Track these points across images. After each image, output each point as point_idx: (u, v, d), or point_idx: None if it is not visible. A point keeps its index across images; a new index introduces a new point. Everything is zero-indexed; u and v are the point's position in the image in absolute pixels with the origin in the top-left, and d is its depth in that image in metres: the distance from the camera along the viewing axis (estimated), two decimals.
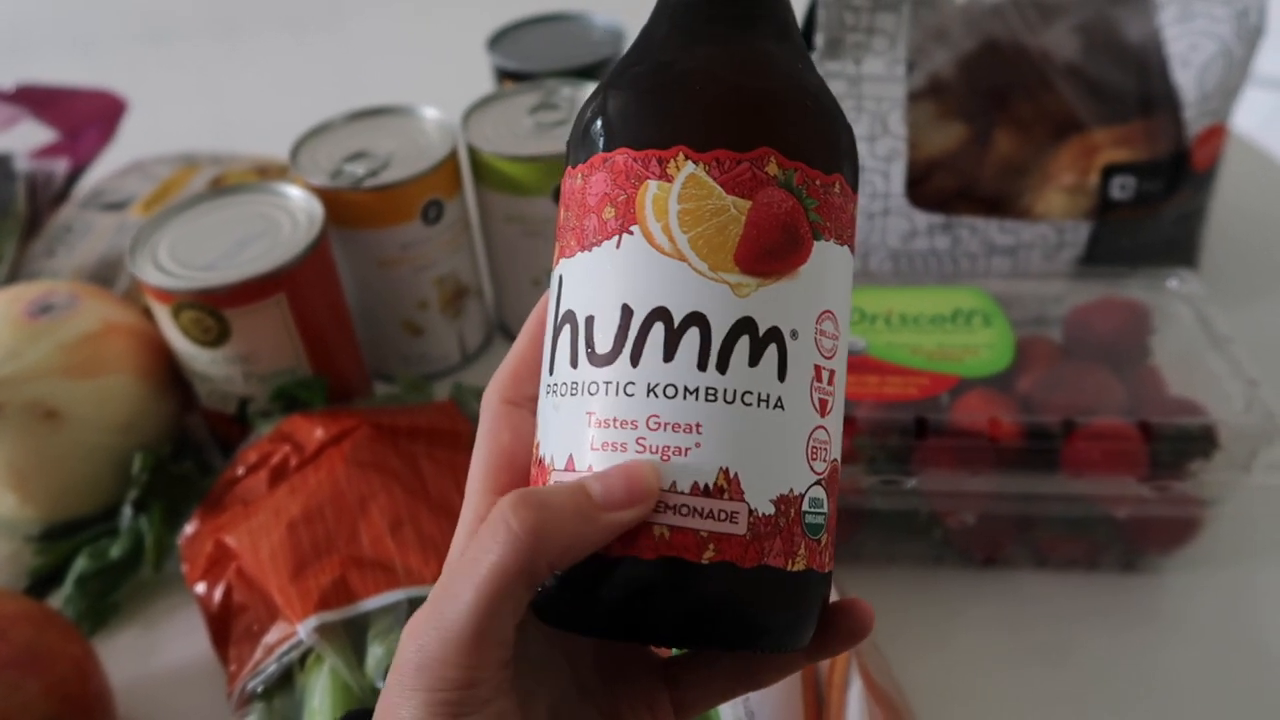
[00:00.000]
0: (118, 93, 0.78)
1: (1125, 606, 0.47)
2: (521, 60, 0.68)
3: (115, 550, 0.52)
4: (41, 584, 0.52)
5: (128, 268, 0.52)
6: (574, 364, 0.25)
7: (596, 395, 0.25)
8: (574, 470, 0.25)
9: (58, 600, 0.51)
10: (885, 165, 0.56)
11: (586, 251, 0.26)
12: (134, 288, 0.59)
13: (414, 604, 0.42)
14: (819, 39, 0.56)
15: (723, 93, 0.26)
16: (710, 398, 0.24)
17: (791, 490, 0.25)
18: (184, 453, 0.58)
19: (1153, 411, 0.46)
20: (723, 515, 0.24)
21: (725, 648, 0.25)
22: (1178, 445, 0.42)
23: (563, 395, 0.26)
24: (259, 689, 0.42)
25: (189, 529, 0.49)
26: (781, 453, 0.25)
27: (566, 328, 0.26)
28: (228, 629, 0.46)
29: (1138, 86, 0.59)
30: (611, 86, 0.27)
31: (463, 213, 0.60)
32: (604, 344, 0.25)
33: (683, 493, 0.24)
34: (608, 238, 0.26)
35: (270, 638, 0.43)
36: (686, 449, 0.24)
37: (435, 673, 0.23)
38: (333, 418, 0.51)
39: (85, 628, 0.50)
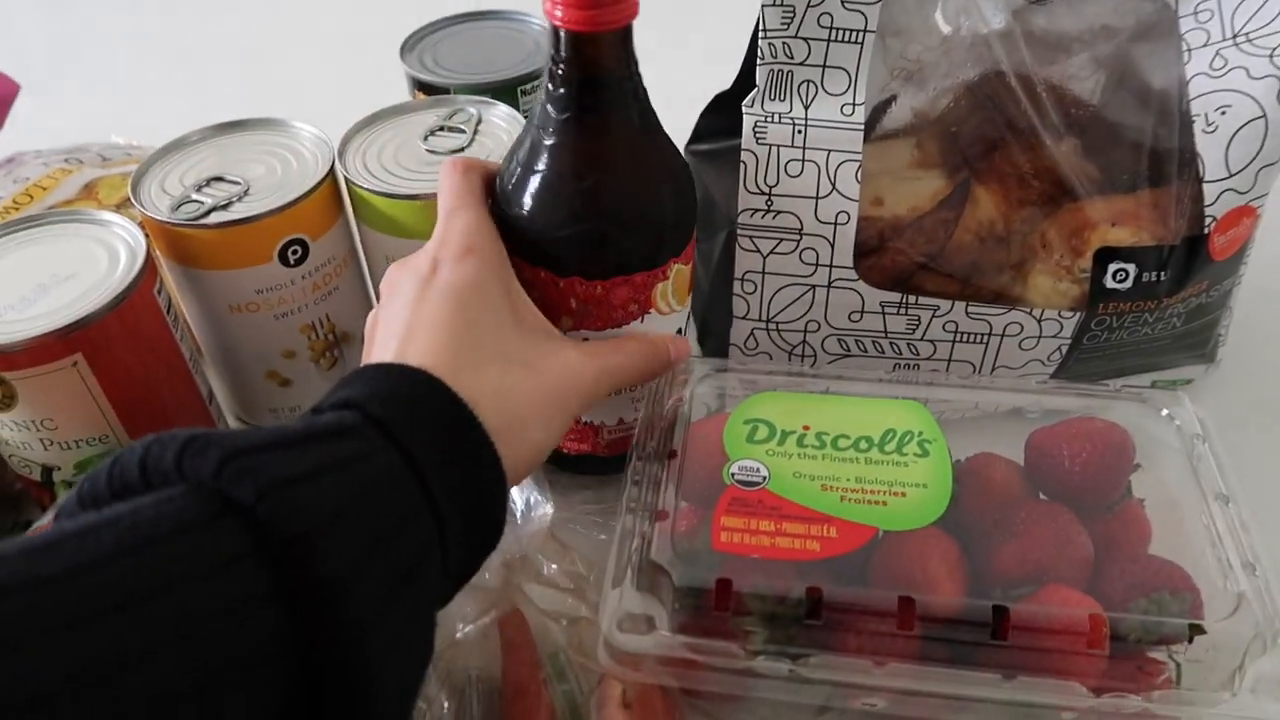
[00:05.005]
0: (7, 75, 0.69)
1: None
2: (437, 70, 0.58)
3: None
4: None
5: None
6: None
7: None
8: None
9: None
10: (832, 230, 0.47)
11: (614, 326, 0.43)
12: None
13: None
14: (760, 74, 0.46)
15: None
16: None
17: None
18: (5, 511, 0.50)
19: (1119, 581, 0.36)
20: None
21: None
22: (1140, 644, 0.33)
23: None
24: None
25: None
26: None
27: None
28: None
29: (1151, 148, 0.48)
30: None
31: (340, 250, 0.52)
32: None
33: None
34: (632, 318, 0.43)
35: None
36: None
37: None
38: None
39: None
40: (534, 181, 0.40)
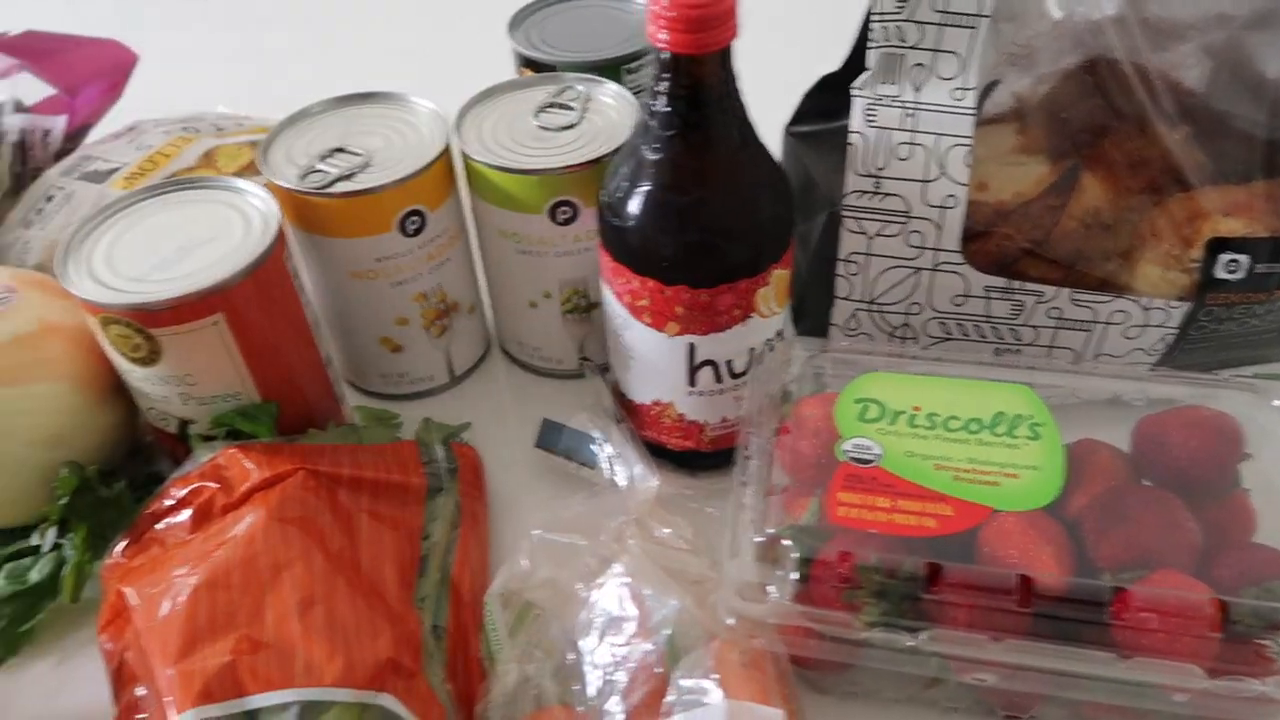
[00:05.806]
0: (125, 45, 0.72)
1: None
2: (544, 47, 0.60)
3: (35, 573, 0.47)
4: None
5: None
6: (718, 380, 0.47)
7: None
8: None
9: None
10: (939, 214, 0.47)
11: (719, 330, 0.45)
12: None
13: (306, 710, 0.37)
14: (870, 58, 0.46)
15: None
16: None
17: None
18: (136, 462, 0.53)
19: (1228, 569, 0.37)
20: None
21: None
22: (1252, 630, 0.34)
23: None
24: None
25: (112, 559, 0.44)
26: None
27: (708, 366, 0.46)
28: (119, 698, 0.41)
29: (1266, 140, 0.48)
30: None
31: (453, 222, 0.53)
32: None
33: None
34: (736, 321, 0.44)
35: None
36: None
37: None
38: (271, 456, 0.45)
39: None
40: (640, 195, 0.42)
